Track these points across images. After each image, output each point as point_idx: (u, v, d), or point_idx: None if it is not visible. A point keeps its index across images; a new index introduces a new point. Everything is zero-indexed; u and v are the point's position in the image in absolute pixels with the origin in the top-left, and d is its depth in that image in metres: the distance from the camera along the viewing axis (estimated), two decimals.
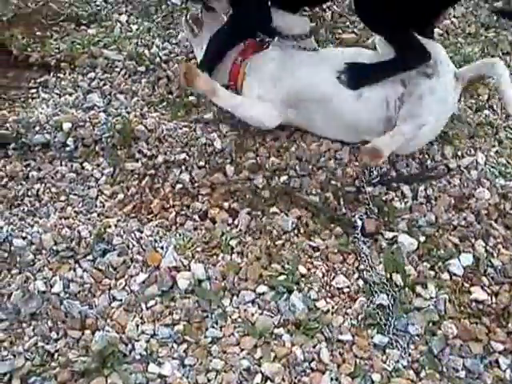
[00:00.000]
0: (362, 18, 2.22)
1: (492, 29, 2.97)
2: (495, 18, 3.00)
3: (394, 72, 2.19)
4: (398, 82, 2.22)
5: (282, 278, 1.92)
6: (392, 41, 2.18)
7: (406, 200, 2.22)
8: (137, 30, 2.86)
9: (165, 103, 2.54)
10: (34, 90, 2.58)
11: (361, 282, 1.94)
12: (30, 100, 2.52)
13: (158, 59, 2.71)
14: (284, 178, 2.28)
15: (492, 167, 2.32)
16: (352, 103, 2.27)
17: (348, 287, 1.93)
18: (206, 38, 2.48)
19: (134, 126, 2.37)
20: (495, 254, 2.03)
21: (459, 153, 2.37)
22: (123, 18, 2.92)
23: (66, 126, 2.37)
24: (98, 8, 2.94)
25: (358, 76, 2.25)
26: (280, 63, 2.38)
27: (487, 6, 3.05)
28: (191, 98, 2.53)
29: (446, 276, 1.95)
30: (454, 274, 1.96)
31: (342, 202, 2.21)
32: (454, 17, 2.99)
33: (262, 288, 1.90)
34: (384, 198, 2.21)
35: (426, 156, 2.36)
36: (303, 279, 1.93)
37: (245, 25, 2.35)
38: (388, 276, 1.95)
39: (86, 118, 2.40)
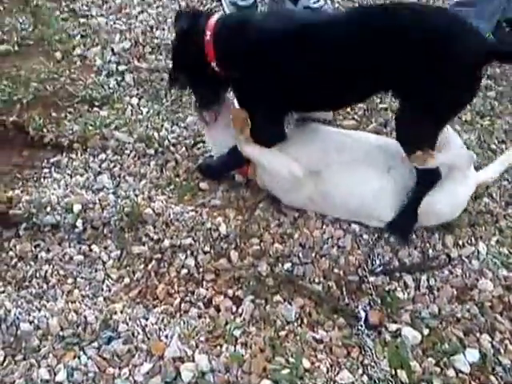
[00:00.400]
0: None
1: (487, 117, 2.98)
2: (489, 107, 2.98)
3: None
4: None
5: (285, 372, 1.86)
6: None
7: (408, 290, 2.17)
8: (147, 112, 2.84)
9: (172, 186, 2.51)
10: (46, 170, 2.56)
11: (365, 378, 1.87)
12: (42, 179, 2.50)
13: (166, 142, 2.69)
14: (288, 265, 2.23)
15: (494, 257, 2.28)
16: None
17: (353, 383, 1.82)
18: (217, 126, 2.49)
19: (142, 209, 2.34)
20: (502, 351, 1.96)
21: (460, 242, 2.34)
22: (134, 100, 2.91)
23: (76, 207, 2.34)
24: (111, 91, 2.94)
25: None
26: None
27: (481, 95, 3.01)
28: (201, 184, 2.55)
29: (451, 373, 1.89)
30: (461, 371, 1.90)
31: (344, 292, 2.15)
32: None
33: (265, 382, 1.83)
34: (387, 288, 2.16)
35: (428, 245, 2.32)
36: (307, 374, 1.86)
37: (260, 143, 2.33)
38: (393, 372, 1.88)
39: (96, 200, 2.38)
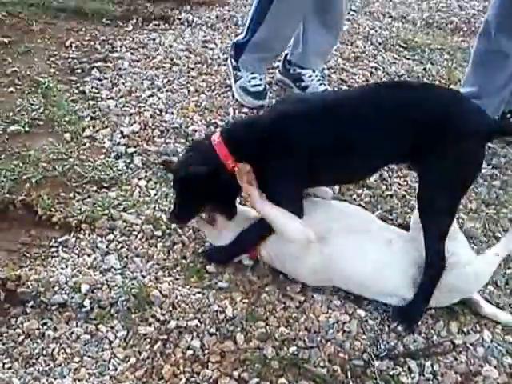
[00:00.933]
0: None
1: (492, 205, 3.15)
2: (494, 196, 3.17)
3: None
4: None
5: None
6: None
7: (412, 375, 2.28)
8: (155, 195, 3.00)
9: (179, 268, 2.65)
10: (54, 249, 2.69)
11: None
12: (50, 258, 2.64)
13: (173, 225, 2.81)
14: (293, 348, 2.34)
15: (498, 345, 2.40)
16: None
17: None
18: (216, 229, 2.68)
19: (150, 290, 2.47)
20: None
21: (465, 329, 2.46)
22: (142, 182, 3.08)
23: (84, 287, 2.48)
24: (120, 172, 3.11)
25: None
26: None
27: (486, 184, 3.22)
28: (208, 266, 2.67)
29: None
30: None
31: (349, 376, 2.27)
32: None
33: None
34: (391, 373, 2.27)
35: (432, 331, 2.45)
36: None
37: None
38: None
39: (104, 280, 2.52)
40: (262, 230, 2.57)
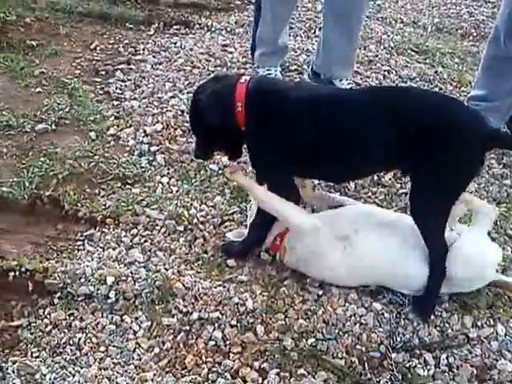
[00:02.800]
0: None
1: (503, 204, 3.09)
2: (505, 194, 3.11)
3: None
4: None
5: None
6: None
7: (428, 367, 2.24)
8: (177, 191, 2.97)
9: (200, 262, 2.61)
10: (80, 243, 2.67)
11: None
12: (76, 251, 2.62)
13: (195, 220, 2.80)
14: (311, 340, 2.30)
15: None
16: None
17: None
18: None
19: (173, 283, 2.44)
20: None
21: (479, 323, 2.41)
22: (165, 179, 3.05)
23: (110, 279, 2.45)
24: (143, 169, 3.08)
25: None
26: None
27: (497, 183, 3.17)
28: (229, 261, 2.63)
29: None
30: None
31: (367, 367, 2.23)
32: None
33: None
34: (408, 365, 2.23)
35: (447, 325, 2.40)
36: None
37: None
38: None
39: (128, 273, 2.49)
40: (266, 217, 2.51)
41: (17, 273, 2.46)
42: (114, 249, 2.65)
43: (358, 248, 2.42)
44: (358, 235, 2.43)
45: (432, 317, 2.41)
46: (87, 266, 2.50)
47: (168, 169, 3.14)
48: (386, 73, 4.20)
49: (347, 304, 2.45)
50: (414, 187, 2.33)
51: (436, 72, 4.30)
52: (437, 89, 4.06)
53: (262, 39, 3.78)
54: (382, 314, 2.42)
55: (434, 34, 4.95)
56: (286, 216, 2.46)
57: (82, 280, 2.45)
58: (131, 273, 2.49)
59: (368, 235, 2.44)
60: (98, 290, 2.44)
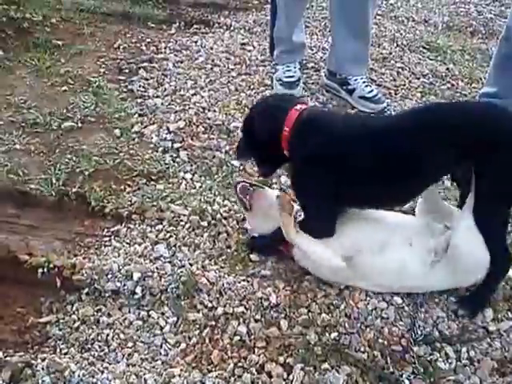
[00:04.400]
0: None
1: None
2: None
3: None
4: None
5: None
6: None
7: (450, 361, 2.16)
8: (200, 187, 2.89)
9: (224, 257, 2.53)
10: (106, 239, 2.59)
11: None
12: (103, 247, 2.53)
13: (218, 215, 2.72)
14: (334, 334, 2.23)
15: None
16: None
17: None
18: (255, 214, 2.56)
19: (198, 278, 2.37)
20: None
21: (498, 316, 2.32)
22: (188, 176, 2.97)
23: (136, 275, 2.37)
24: (167, 166, 3.00)
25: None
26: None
27: None
28: (252, 255, 2.56)
29: None
30: None
31: (389, 361, 2.15)
32: None
33: None
34: (429, 358, 2.15)
35: (466, 318, 2.32)
36: None
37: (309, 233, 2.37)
38: None
39: (154, 268, 2.41)
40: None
41: (45, 269, 2.38)
42: (139, 244, 2.56)
43: (361, 267, 2.37)
44: (362, 256, 2.37)
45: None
46: (114, 262, 2.41)
47: (191, 165, 3.05)
48: (399, 69, 4.11)
49: (368, 298, 2.38)
50: (478, 196, 2.23)
51: (448, 69, 4.21)
52: (449, 85, 4.00)
53: (279, 38, 3.70)
54: (402, 307, 2.35)
55: (445, 31, 4.84)
56: (315, 258, 2.38)
57: (109, 276, 2.37)
58: (157, 268, 2.41)
59: (370, 254, 2.37)
60: (124, 285, 2.35)
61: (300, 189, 2.41)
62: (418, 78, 4.05)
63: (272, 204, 2.47)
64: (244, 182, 2.61)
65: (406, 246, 2.35)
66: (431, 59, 4.37)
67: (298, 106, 2.33)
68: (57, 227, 2.67)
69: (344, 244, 2.36)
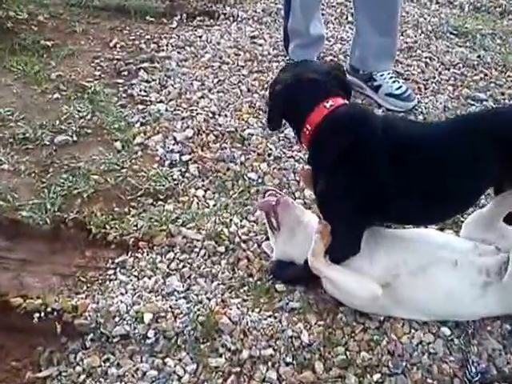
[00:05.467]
0: None
1: None
2: None
3: None
4: None
5: None
6: None
7: None
8: (214, 205, 2.71)
9: (246, 287, 2.36)
10: (111, 271, 2.43)
11: None
12: (108, 282, 2.37)
13: (237, 239, 2.55)
14: (377, 376, 2.06)
15: None
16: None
17: None
18: (282, 234, 2.39)
19: (218, 317, 2.20)
20: None
21: None
22: (200, 192, 2.80)
23: (147, 316, 2.20)
24: (175, 182, 2.83)
25: None
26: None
27: None
28: (277, 285, 2.40)
29: None
30: None
31: None
32: None
33: None
34: None
35: None
36: None
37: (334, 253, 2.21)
38: None
39: (167, 307, 2.25)
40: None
41: (42, 313, 2.20)
42: (149, 277, 2.39)
43: (398, 294, 2.23)
44: (398, 280, 2.22)
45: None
46: (121, 302, 2.24)
47: (202, 180, 2.88)
48: (427, 60, 3.94)
49: (412, 330, 2.20)
50: None
51: (479, 56, 4.03)
52: (481, 75, 3.83)
53: (294, 31, 3.54)
54: (452, 339, 2.17)
55: (472, 13, 4.68)
56: (344, 287, 2.24)
57: (117, 319, 2.19)
58: (170, 307, 2.24)
59: (408, 278, 2.22)
60: (134, 329, 2.17)
61: (328, 198, 2.21)
62: (448, 69, 3.88)
63: (300, 220, 2.37)
64: (272, 190, 2.47)
65: (452, 267, 2.18)
66: (460, 46, 4.21)
67: (329, 103, 2.12)
68: (54, 260, 2.50)
69: (379, 268, 2.21)
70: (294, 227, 2.38)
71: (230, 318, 2.21)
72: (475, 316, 2.24)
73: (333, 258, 2.20)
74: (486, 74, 3.86)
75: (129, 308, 2.24)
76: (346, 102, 2.17)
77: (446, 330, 2.21)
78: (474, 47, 4.19)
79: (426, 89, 3.63)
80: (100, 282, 2.39)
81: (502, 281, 2.13)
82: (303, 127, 2.14)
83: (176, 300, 2.30)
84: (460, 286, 2.18)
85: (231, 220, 2.66)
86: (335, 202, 2.16)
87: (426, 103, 3.46)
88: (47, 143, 3.06)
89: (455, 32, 4.37)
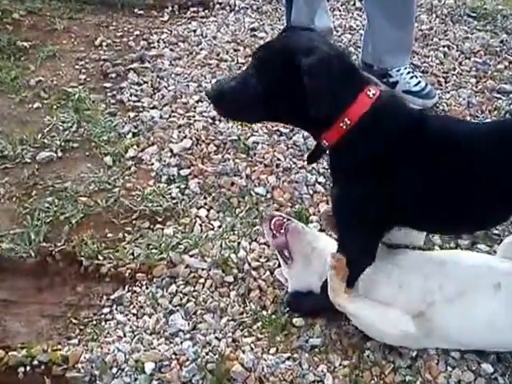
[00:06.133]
0: None
1: None
2: None
3: None
4: None
5: None
6: None
7: None
8: (219, 227, 2.55)
9: (259, 323, 2.21)
10: (107, 310, 2.27)
11: None
12: (103, 323, 2.20)
13: (246, 266, 2.40)
14: None
15: None
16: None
17: None
18: (296, 261, 2.25)
19: (230, 364, 2.04)
20: None
21: None
22: (202, 212, 2.63)
23: (149, 366, 2.04)
24: (174, 201, 2.66)
25: None
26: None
27: None
28: (294, 319, 2.24)
29: None
30: None
31: None
32: None
33: None
34: None
35: None
36: None
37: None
38: None
39: (171, 354, 2.08)
40: None
41: (28, 368, 2.04)
42: (150, 315, 2.23)
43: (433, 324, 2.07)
44: (433, 308, 2.07)
45: None
46: (118, 350, 2.08)
47: (205, 197, 2.71)
48: (446, 49, 3.79)
49: (449, 368, 2.06)
50: None
51: (502, 42, 3.87)
52: (506, 63, 3.68)
53: (297, 23, 3.21)
54: (495, 378, 2.02)
55: None
56: (373, 326, 2.12)
57: (114, 370, 2.03)
58: (175, 353, 2.08)
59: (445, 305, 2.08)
60: (135, 380, 2.01)
61: (346, 203, 2.01)
62: (469, 58, 3.73)
63: (314, 246, 2.23)
64: (278, 216, 2.31)
65: (493, 291, 2.03)
66: (479, 30, 4.04)
67: (372, 92, 1.84)
68: (41, 299, 2.33)
69: (410, 297, 2.07)
70: (308, 254, 2.24)
71: (242, 364, 2.05)
72: None
73: (351, 272, 2.05)
74: (510, 62, 3.71)
75: (127, 357, 2.07)
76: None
77: (487, 367, 2.07)
78: (495, 31, 4.04)
79: (446, 82, 3.48)
80: (94, 323, 2.22)
81: None
82: (337, 121, 1.86)
83: (181, 342, 2.14)
84: (503, 311, 2.03)
85: (239, 243, 2.50)
86: (364, 209, 1.97)
87: (448, 99, 3.31)
88: (28, 161, 2.88)
89: (473, 14, 4.22)
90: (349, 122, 1.83)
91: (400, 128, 1.89)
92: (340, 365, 2.09)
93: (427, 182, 1.91)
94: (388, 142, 1.88)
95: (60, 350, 2.09)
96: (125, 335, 2.17)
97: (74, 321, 2.25)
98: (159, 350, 2.09)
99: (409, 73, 3.22)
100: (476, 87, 3.41)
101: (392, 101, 1.94)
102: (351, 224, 2.03)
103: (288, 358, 2.09)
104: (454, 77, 3.50)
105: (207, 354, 2.08)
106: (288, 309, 2.27)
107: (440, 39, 3.88)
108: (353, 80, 1.85)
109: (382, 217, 1.98)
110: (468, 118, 3.12)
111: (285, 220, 2.29)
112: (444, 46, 3.82)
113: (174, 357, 2.07)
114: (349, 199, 1.98)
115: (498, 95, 3.35)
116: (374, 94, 1.85)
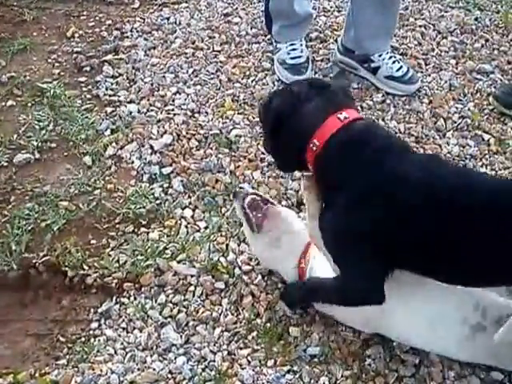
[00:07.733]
0: None
1: None
2: None
3: None
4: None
5: None
6: None
7: None
8: (205, 228, 2.38)
9: (254, 333, 2.06)
10: (95, 325, 2.09)
11: None
12: (92, 339, 2.04)
13: (237, 270, 2.23)
14: None
15: None
16: None
17: None
18: (263, 238, 2.11)
19: (229, 382, 1.90)
20: None
21: None
22: (187, 212, 2.45)
23: None
24: (158, 202, 2.47)
25: None
26: None
27: None
28: (291, 328, 2.09)
29: None
30: None
31: None
32: None
33: None
34: None
35: None
36: None
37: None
38: None
39: (167, 373, 1.94)
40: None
41: None
42: (140, 330, 2.07)
43: None
44: None
45: None
46: (112, 372, 1.91)
47: (189, 196, 2.53)
48: (423, 29, 3.58)
49: (454, 375, 1.93)
50: None
51: (476, 19, 3.68)
52: (482, 41, 3.50)
53: (277, 11, 3.14)
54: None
55: None
56: None
57: None
58: (170, 372, 1.92)
59: None
60: None
61: (338, 235, 1.81)
62: (446, 37, 3.53)
63: (288, 229, 2.10)
64: (253, 194, 2.18)
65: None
66: (452, 7, 3.83)
67: (343, 115, 1.77)
68: (25, 316, 2.14)
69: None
70: (280, 237, 2.12)
71: (242, 382, 1.90)
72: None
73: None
74: (486, 40, 3.53)
75: (121, 378, 1.90)
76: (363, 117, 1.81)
77: (496, 375, 1.94)
78: (468, 7, 3.84)
79: (426, 65, 3.30)
80: (83, 340, 2.05)
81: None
82: (308, 143, 1.78)
83: (175, 358, 1.98)
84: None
85: (227, 245, 2.33)
86: (353, 240, 1.77)
87: (430, 82, 3.13)
88: (5, 164, 2.65)
89: None
90: (317, 143, 1.75)
91: (359, 154, 1.75)
92: (342, 376, 1.95)
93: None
94: (349, 165, 1.75)
95: (48, 373, 1.92)
96: (116, 353, 2.01)
97: (61, 338, 2.07)
98: (154, 369, 1.94)
99: (391, 57, 3.02)
100: (456, 68, 3.25)
101: (366, 124, 1.82)
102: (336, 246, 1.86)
103: (288, 372, 1.95)
104: (434, 58, 3.32)
105: (203, 370, 1.94)
106: (282, 301, 2.14)
107: (416, 19, 3.68)
108: (322, 107, 1.79)
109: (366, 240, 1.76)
110: (451, 103, 2.95)
111: (260, 202, 2.15)
112: (421, 26, 3.62)
113: (170, 376, 1.92)
114: (328, 219, 1.83)
115: (479, 76, 3.17)
116: (345, 118, 1.75)
